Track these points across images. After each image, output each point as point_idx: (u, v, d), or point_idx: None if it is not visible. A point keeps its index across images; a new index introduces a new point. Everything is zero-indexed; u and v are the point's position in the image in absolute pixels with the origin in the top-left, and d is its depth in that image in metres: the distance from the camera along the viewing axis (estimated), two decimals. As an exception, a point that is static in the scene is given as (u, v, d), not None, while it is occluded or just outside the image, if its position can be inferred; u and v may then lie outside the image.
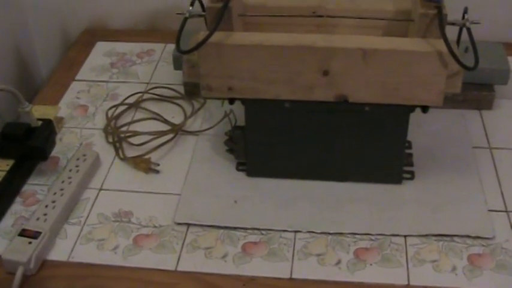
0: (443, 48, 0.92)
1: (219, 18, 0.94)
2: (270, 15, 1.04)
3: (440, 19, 0.92)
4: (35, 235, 0.99)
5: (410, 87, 0.96)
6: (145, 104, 1.28)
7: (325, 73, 0.96)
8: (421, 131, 1.16)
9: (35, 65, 1.48)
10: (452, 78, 0.95)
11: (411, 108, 1.00)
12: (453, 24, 0.96)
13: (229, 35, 0.96)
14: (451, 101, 1.19)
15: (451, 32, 0.94)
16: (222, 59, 0.96)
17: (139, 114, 1.26)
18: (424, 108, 1.00)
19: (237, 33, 0.98)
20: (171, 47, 1.42)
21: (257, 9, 1.04)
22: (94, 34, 1.52)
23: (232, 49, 0.96)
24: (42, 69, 1.50)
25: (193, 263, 0.98)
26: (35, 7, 1.46)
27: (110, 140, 1.20)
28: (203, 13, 0.99)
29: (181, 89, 1.30)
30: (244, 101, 1.02)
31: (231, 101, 1.02)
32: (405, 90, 0.96)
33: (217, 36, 0.95)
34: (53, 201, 1.05)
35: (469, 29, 0.95)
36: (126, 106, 1.27)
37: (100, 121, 1.25)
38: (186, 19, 0.98)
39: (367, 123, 1.02)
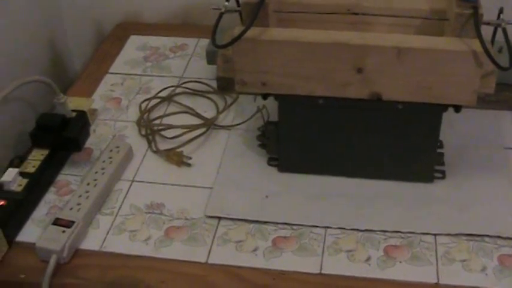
0: (478, 47, 0.92)
1: (255, 14, 0.95)
2: (305, 12, 1.04)
3: (476, 19, 0.92)
4: (68, 224, 1.00)
5: (444, 86, 0.96)
6: (178, 98, 1.29)
7: (359, 70, 0.96)
8: (453, 130, 1.16)
9: (69, 58, 1.50)
10: (486, 78, 0.95)
11: (444, 108, 1.00)
12: (488, 24, 0.95)
13: (265, 31, 0.97)
14: (483, 102, 1.19)
15: (485, 32, 0.94)
16: (257, 55, 0.97)
17: (171, 108, 1.27)
18: (457, 108, 1.00)
19: (272, 29, 0.98)
20: (204, 41, 1.43)
21: (292, 6, 1.04)
22: (127, 28, 1.53)
23: (267, 45, 0.96)
24: (75, 63, 1.52)
25: (224, 256, 0.99)
26: (69, 1, 1.48)
27: (143, 132, 1.21)
28: (238, 8, 1.00)
29: (213, 84, 1.31)
30: (277, 97, 1.03)
31: (265, 96, 1.03)
32: (439, 89, 0.96)
33: (253, 31, 0.95)
34: (86, 192, 1.06)
35: (504, 29, 0.95)
36: (159, 99, 1.28)
37: (133, 114, 1.26)
38: (221, 14, 0.99)
39: (400, 122, 1.02)
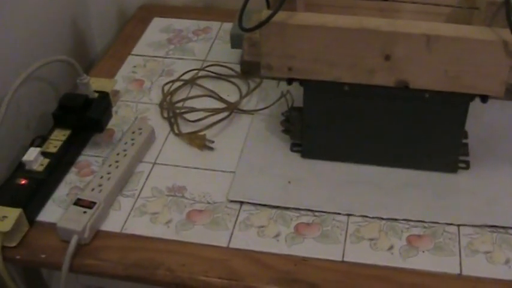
0: (509, 38, 0.91)
1: (283, -2, 0.94)
2: (333, -3, 1.04)
3: (508, 8, 0.91)
4: (90, 205, 1.00)
5: (472, 76, 0.95)
6: (200, 81, 1.28)
7: (387, 58, 0.95)
8: (478, 121, 1.14)
9: (91, 39, 1.49)
10: (514, 69, 0.94)
11: (471, 97, 0.99)
12: (520, 13, 0.94)
13: (293, 15, 0.96)
14: (510, 93, 1.18)
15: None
16: (284, 39, 0.96)
17: (194, 91, 1.26)
18: (484, 98, 0.98)
19: (301, 13, 0.97)
20: (228, 25, 1.42)
21: (320, -9, 1.04)
22: (151, 10, 1.53)
23: (295, 29, 0.95)
24: (97, 44, 1.51)
25: (246, 240, 0.98)
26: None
27: (165, 115, 1.20)
28: (267, -8, 0.99)
29: (237, 68, 1.30)
30: (303, 82, 1.02)
31: (290, 81, 1.02)
32: (467, 78, 0.95)
33: (281, 15, 0.94)
34: (108, 173, 1.06)
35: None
36: (181, 82, 1.28)
37: (155, 96, 1.26)
38: (249, -3, 0.98)
39: (426, 110, 1.01)
